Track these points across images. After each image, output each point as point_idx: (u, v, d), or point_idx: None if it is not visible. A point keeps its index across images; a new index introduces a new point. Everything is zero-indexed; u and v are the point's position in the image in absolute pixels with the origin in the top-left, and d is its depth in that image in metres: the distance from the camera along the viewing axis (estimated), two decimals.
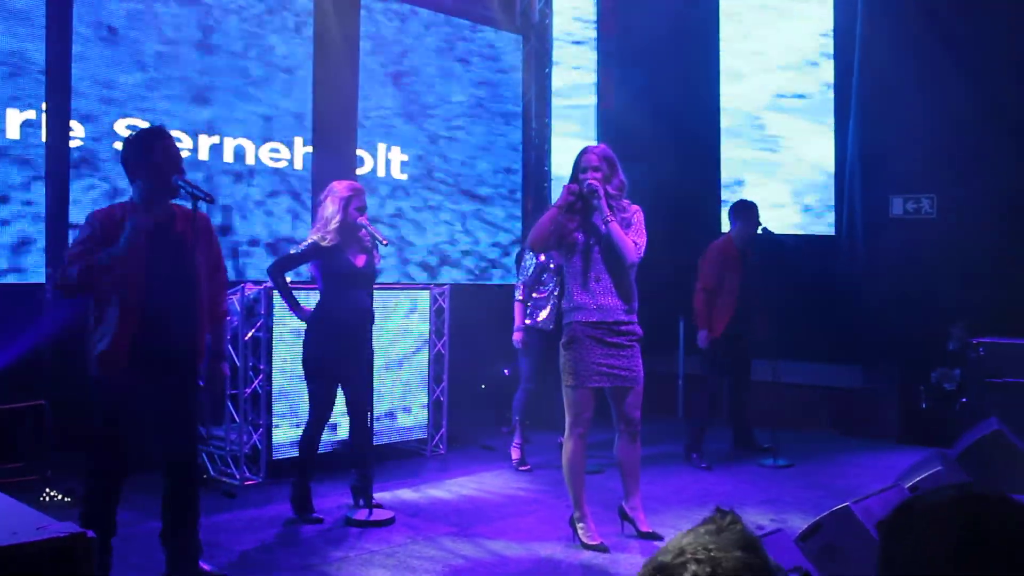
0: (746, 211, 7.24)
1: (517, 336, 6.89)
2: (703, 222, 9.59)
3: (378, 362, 6.09)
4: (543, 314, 6.83)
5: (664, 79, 10.01)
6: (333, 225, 5.28)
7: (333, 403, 5.53)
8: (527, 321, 6.86)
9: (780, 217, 9.68)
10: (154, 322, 3.99)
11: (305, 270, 5.78)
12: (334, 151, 7.97)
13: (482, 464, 7.03)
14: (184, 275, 4.03)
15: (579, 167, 4.90)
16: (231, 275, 7.05)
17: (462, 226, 9.33)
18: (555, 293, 6.77)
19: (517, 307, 6.89)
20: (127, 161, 4.10)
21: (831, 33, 9.56)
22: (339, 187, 5.37)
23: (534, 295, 6.86)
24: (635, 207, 4.98)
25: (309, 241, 5.34)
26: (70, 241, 6.04)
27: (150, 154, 4.02)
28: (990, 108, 7.96)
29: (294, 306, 5.44)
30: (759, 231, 7.28)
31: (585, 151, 4.97)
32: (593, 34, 10.46)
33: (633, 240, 4.86)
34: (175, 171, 4.03)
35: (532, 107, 9.96)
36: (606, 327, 4.86)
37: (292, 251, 5.49)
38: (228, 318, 6.01)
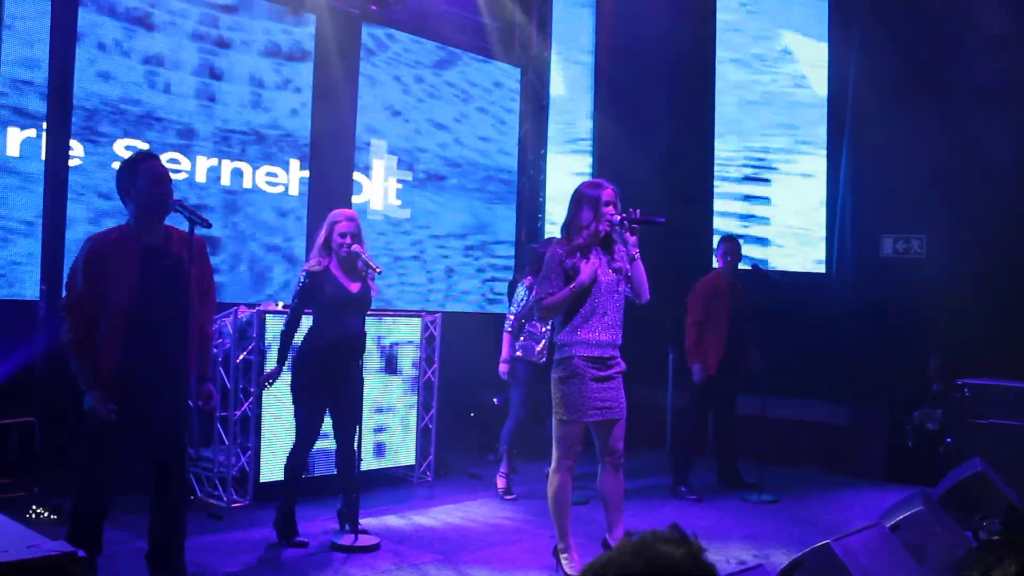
0: (731, 246, 7.33)
1: (503, 368, 6.94)
2: (694, 255, 9.66)
3: (368, 388, 6.12)
4: (538, 347, 6.87)
5: (659, 112, 10.13)
6: (317, 247, 5.39)
7: (320, 428, 5.54)
8: (518, 353, 6.90)
9: (771, 253, 9.76)
10: (145, 341, 4.03)
11: None
12: (330, 176, 8.07)
13: (468, 492, 7.05)
14: (178, 295, 4.08)
15: (598, 200, 4.82)
16: (224, 297, 7.12)
17: (455, 255, 9.38)
18: (549, 327, 6.80)
19: (505, 338, 6.94)
20: (119, 185, 4.20)
21: (825, 78, 9.67)
22: (331, 214, 5.49)
23: (527, 328, 6.90)
24: None
25: (301, 276, 5.42)
26: (65, 259, 6.12)
27: (135, 177, 4.12)
28: (980, 151, 8.05)
29: (280, 358, 5.43)
30: (749, 267, 7.35)
31: (599, 185, 4.91)
32: (590, 64, 10.56)
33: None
34: (161, 194, 4.10)
35: (528, 139, 10.06)
36: (602, 362, 4.87)
37: (292, 300, 5.47)
38: (214, 340, 6.07)
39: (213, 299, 4.52)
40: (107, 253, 4.04)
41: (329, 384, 5.37)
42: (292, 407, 5.52)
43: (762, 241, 9.88)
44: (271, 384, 5.45)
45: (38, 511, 5.51)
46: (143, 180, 4.11)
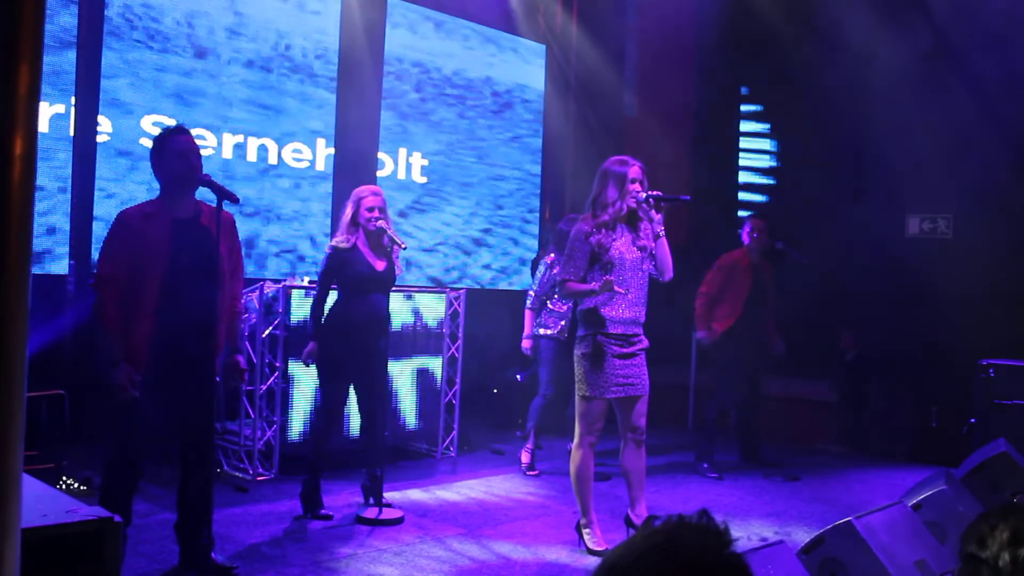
0: (758, 223, 7.29)
1: (526, 344, 6.95)
2: (719, 233, 9.62)
3: (392, 364, 6.16)
4: (560, 324, 6.87)
5: (684, 86, 10.06)
6: (344, 224, 5.42)
7: (345, 403, 5.61)
8: (544, 331, 6.90)
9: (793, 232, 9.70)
10: (174, 315, 4.08)
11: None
12: (356, 153, 8.09)
13: (491, 467, 7.10)
14: (207, 269, 4.11)
15: (624, 177, 4.83)
16: (252, 273, 7.17)
17: (480, 230, 9.40)
18: (570, 304, 6.80)
19: (528, 315, 6.94)
20: (151, 160, 4.26)
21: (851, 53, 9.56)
22: (356, 190, 5.52)
23: (551, 305, 6.90)
24: None
25: (327, 252, 5.46)
26: (93, 234, 6.20)
27: (163, 152, 4.17)
28: (1010, 129, 7.97)
29: (314, 334, 5.50)
30: (775, 245, 7.32)
31: (626, 162, 4.90)
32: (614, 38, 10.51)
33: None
34: (187, 167, 4.15)
35: (553, 115, 10.04)
36: (625, 339, 4.89)
37: (319, 276, 5.52)
38: (245, 315, 6.11)
39: (241, 275, 4.57)
40: (138, 226, 4.08)
41: (354, 360, 5.42)
42: (317, 382, 5.58)
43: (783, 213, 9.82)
44: (314, 360, 5.49)
45: (68, 482, 5.60)
46: (169, 154, 4.16)
